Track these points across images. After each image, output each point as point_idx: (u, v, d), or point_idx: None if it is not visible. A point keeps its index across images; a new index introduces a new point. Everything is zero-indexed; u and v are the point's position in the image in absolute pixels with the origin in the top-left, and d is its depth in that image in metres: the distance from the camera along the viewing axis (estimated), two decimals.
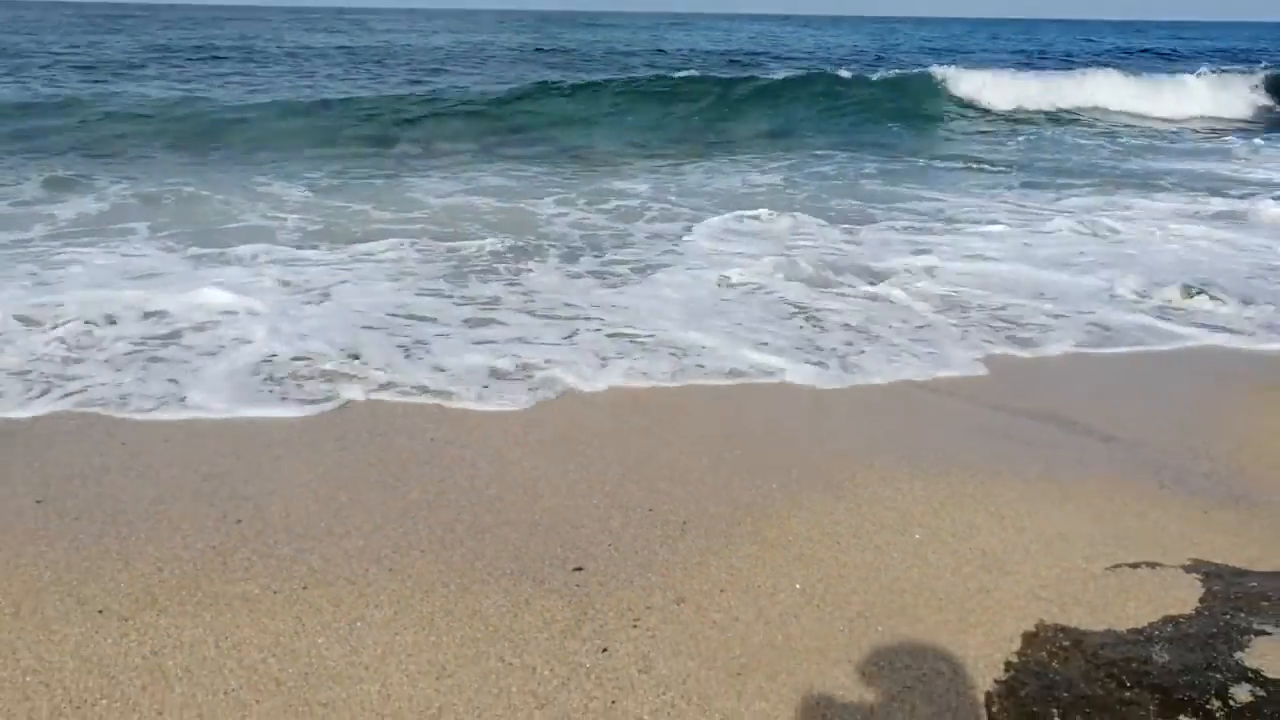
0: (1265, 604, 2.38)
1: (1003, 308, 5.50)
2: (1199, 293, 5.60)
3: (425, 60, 25.54)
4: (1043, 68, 24.35)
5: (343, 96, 15.65)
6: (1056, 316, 5.37)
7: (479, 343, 4.77)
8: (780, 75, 18.26)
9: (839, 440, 3.76)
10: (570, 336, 4.87)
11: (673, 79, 17.51)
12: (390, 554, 2.89)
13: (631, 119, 14.58)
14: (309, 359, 4.47)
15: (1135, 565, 2.78)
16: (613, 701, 2.27)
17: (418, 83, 18.74)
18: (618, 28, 56.42)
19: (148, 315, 5.04)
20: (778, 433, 3.83)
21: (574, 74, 19.78)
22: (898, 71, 19.31)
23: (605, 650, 2.46)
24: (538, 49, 30.29)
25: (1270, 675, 2.06)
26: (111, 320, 4.93)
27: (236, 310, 5.12)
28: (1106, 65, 22.86)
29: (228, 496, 3.23)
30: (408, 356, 4.54)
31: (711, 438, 3.75)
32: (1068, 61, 29.60)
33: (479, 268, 6.22)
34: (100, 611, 2.57)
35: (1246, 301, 5.62)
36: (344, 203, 8.43)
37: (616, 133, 13.59)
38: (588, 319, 5.14)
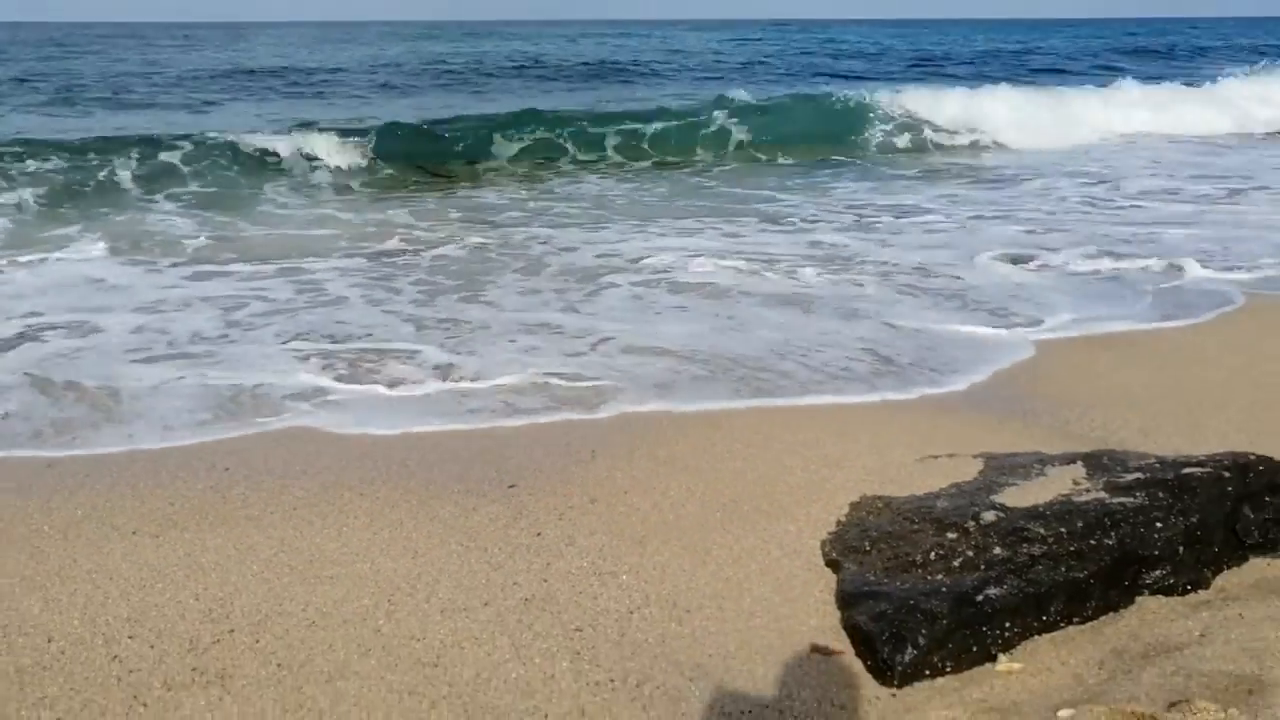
0: (1020, 469, 3.27)
1: None
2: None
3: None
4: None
5: None
6: None
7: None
8: None
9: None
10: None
11: None
12: (358, 484, 3.61)
13: None
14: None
15: (938, 457, 3.65)
16: (548, 564, 3.03)
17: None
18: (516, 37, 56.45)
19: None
20: None
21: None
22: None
23: (539, 534, 3.22)
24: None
25: (1009, 504, 2.94)
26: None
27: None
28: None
29: (212, 453, 3.90)
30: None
31: None
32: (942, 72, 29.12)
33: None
34: (134, 532, 3.23)
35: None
36: None
37: None
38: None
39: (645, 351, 5.11)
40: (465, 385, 4.65)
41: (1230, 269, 6.64)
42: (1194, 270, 6.47)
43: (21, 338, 5.41)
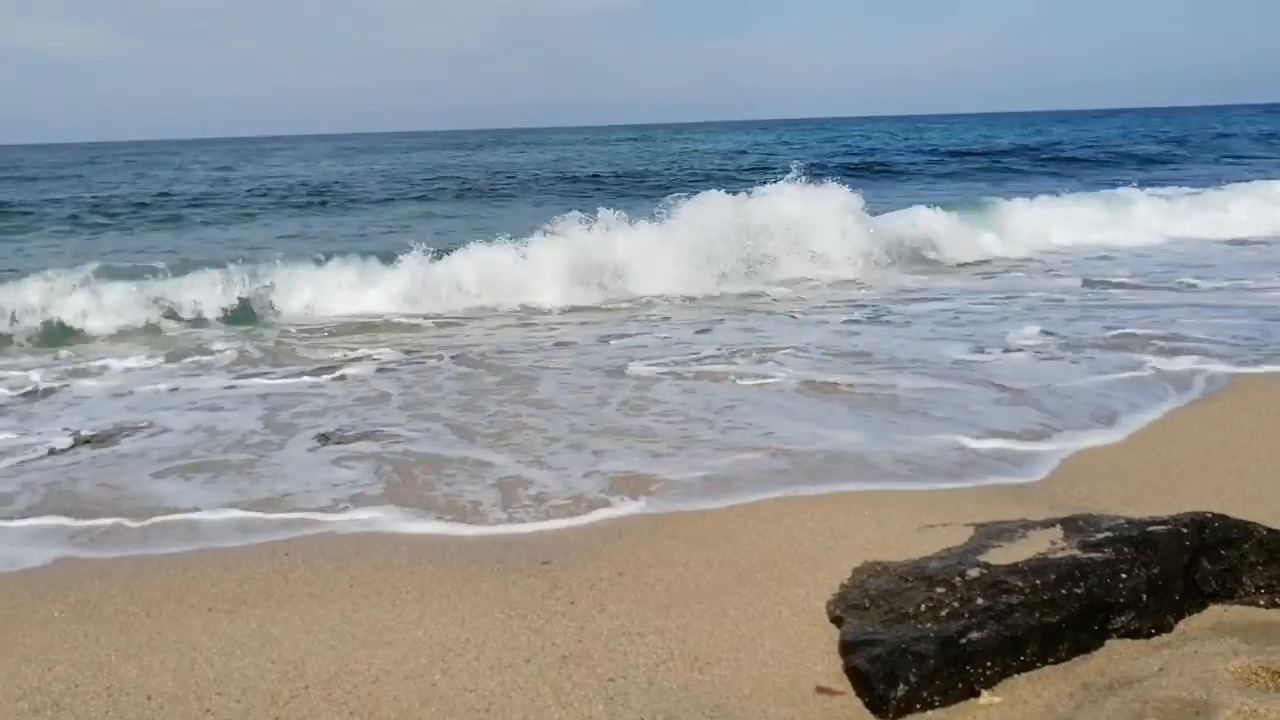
0: (1005, 533, 3.62)
1: None
2: None
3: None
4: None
5: None
6: None
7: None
8: None
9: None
10: None
11: None
12: (407, 564, 3.99)
13: None
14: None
15: (933, 526, 4.01)
16: (581, 627, 3.39)
17: None
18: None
19: None
20: None
21: None
22: None
23: (573, 603, 3.58)
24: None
25: (993, 562, 3.29)
26: None
27: None
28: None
29: (271, 544, 4.30)
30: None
31: None
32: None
33: None
34: (209, 609, 3.62)
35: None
36: None
37: None
38: None
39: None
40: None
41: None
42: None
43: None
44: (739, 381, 6.90)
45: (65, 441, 5.87)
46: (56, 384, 7.48)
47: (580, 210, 12.39)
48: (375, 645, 3.28)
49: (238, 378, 7.60)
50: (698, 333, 8.96)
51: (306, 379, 7.47)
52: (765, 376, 6.97)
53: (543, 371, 7.43)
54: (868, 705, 2.80)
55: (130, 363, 8.20)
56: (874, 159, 35.31)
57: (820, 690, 2.91)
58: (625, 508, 4.59)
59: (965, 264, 12.98)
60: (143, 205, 23.86)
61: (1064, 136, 49.48)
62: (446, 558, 4.05)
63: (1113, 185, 18.92)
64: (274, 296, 10.59)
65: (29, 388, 7.35)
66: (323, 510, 4.67)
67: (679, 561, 3.90)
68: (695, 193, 12.96)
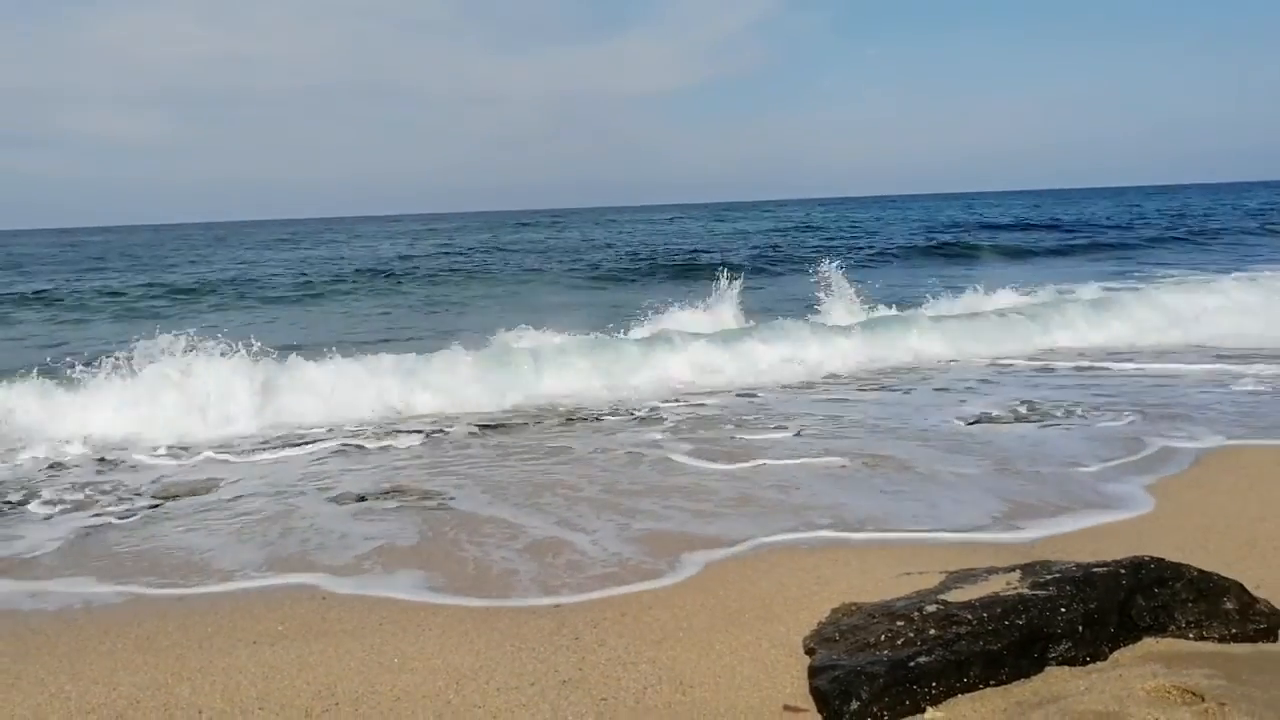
0: (970, 577, 3.99)
1: None
2: None
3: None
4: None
5: None
6: None
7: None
8: None
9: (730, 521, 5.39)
10: None
11: None
12: (430, 604, 4.42)
13: None
14: None
15: (910, 573, 4.38)
16: (582, 658, 3.80)
17: None
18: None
19: None
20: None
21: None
22: None
23: (577, 638, 3.99)
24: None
25: (951, 600, 3.66)
26: None
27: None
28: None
29: (311, 586, 4.76)
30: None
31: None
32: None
33: None
34: (254, 642, 4.07)
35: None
36: None
37: None
38: None
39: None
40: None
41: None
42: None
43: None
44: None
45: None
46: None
47: None
48: (398, 671, 3.71)
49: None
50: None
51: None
52: None
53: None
54: (827, 718, 3.17)
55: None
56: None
57: (786, 708, 3.29)
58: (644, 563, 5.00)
59: None
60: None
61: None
62: (467, 599, 4.48)
63: None
64: None
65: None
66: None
67: (675, 603, 4.30)
68: None
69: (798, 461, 6.77)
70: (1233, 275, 16.90)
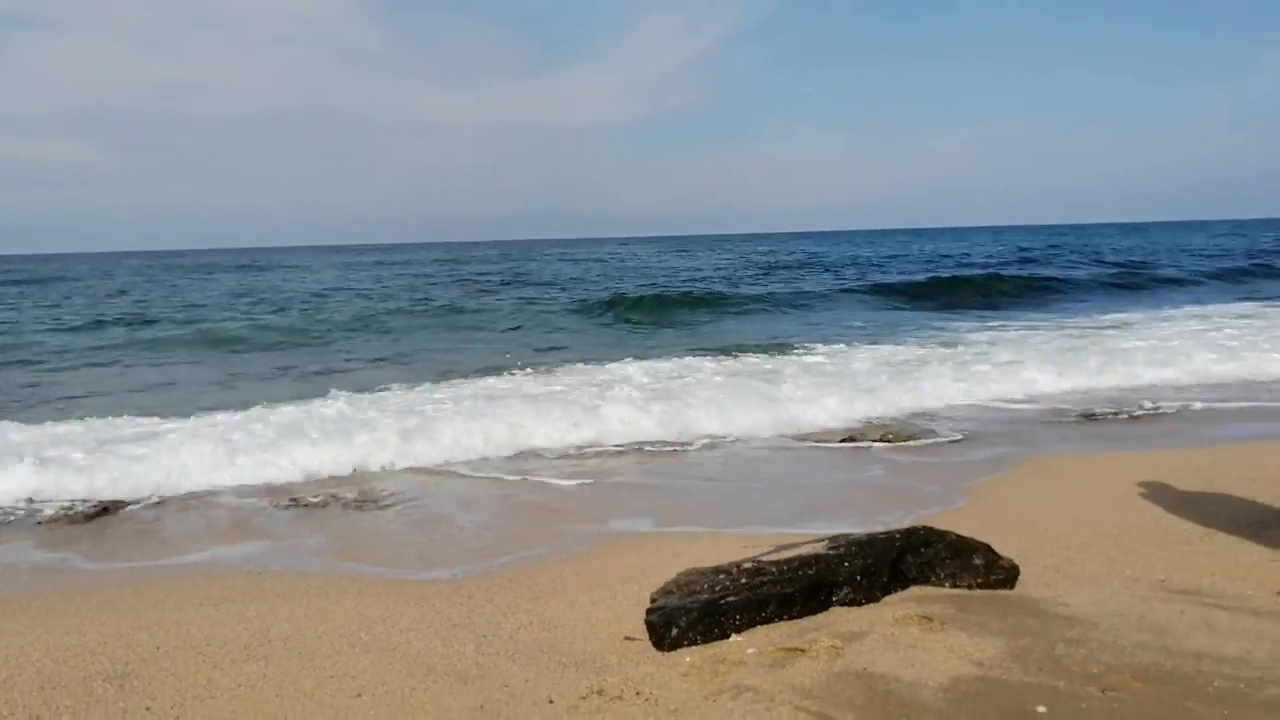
0: (793, 545, 4.94)
1: None
2: None
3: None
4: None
5: None
6: None
7: None
8: None
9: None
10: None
11: None
12: (351, 576, 5.28)
13: None
14: None
15: (749, 549, 5.33)
16: (472, 610, 4.67)
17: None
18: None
19: None
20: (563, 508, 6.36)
21: None
22: None
23: (469, 597, 4.87)
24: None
25: (766, 559, 4.61)
26: None
27: None
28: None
29: (243, 561, 5.58)
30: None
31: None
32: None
33: None
34: (200, 604, 4.89)
35: None
36: None
37: None
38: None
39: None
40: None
41: None
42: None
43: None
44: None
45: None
46: None
47: None
48: (320, 620, 4.57)
49: None
50: None
51: None
52: None
53: None
54: (654, 643, 4.09)
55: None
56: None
57: (626, 638, 4.20)
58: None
59: None
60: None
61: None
62: (385, 569, 5.35)
63: None
64: None
65: None
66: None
67: (554, 572, 5.21)
68: None
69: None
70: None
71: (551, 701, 3.56)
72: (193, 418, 9.75)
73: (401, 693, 3.69)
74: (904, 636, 3.90)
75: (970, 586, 4.55)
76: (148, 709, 3.63)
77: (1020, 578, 4.65)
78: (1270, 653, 3.61)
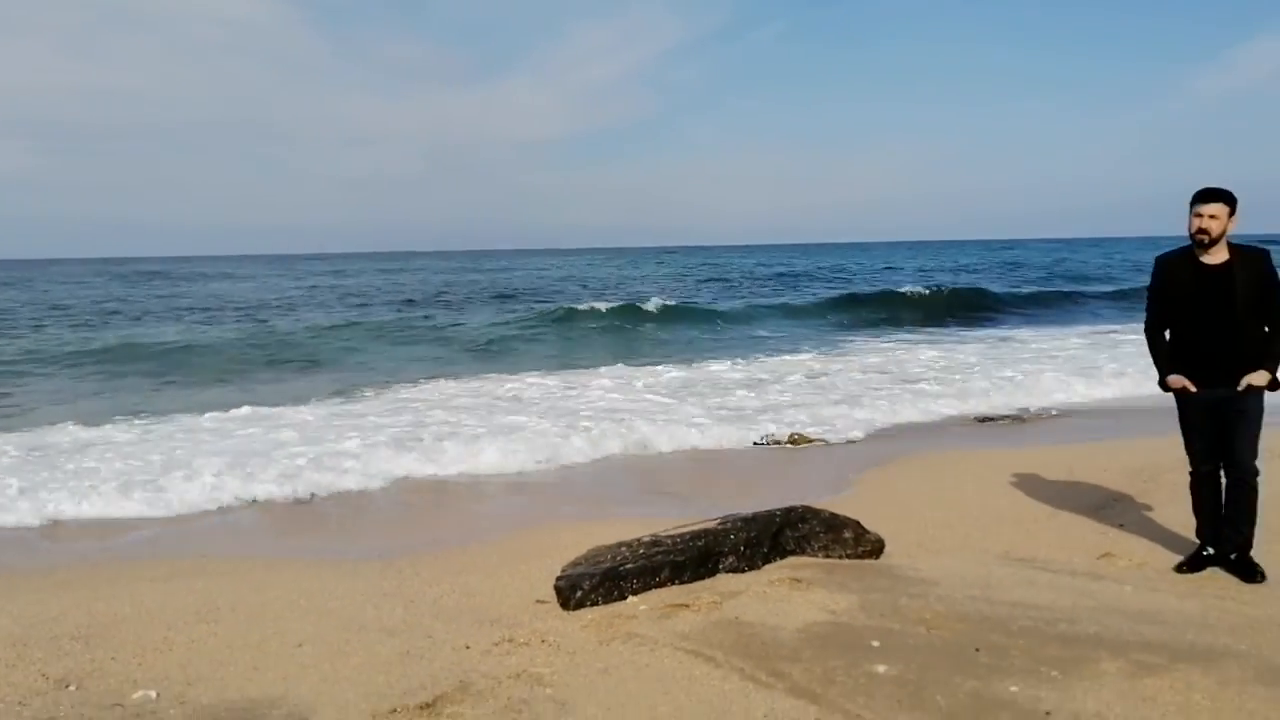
0: (690, 525, 5.55)
1: None
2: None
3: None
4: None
5: None
6: None
7: None
8: None
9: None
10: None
11: None
12: (280, 551, 5.78)
13: None
14: None
15: (657, 529, 5.93)
16: (400, 583, 5.21)
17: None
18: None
19: None
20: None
21: None
22: None
23: (400, 572, 5.40)
24: None
25: (665, 534, 5.22)
26: None
27: None
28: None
29: (197, 538, 6.06)
30: None
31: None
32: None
33: None
34: (151, 579, 5.37)
35: None
36: None
37: None
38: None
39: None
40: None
41: None
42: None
43: None
44: None
45: None
46: None
47: None
48: (262, 590, 5.08)
49: None
50: None
51: None
52: None
53: None
54: (561, 605, 4.68)
55: None
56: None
57: (537, 601, 4.78)
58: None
59: None
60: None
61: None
62: (316, 553, 5.86)
63: None
64: None
65: None
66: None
67: (481, 553, 5.78)
68: None
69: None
70: None
71: (468, 647, 4.13)
72: None
73: (337, 644, 4.23)
74: (775, 594, 4.53)
75: (841, 556, 5.21)
76: (113, 659, 4.12)
77: (886, 550, 5.32)
78: (1072, 601, 4.32)
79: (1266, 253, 4.59)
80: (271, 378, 15.63)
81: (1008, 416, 10.57)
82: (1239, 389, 4.51)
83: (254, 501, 7.27)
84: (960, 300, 29.56)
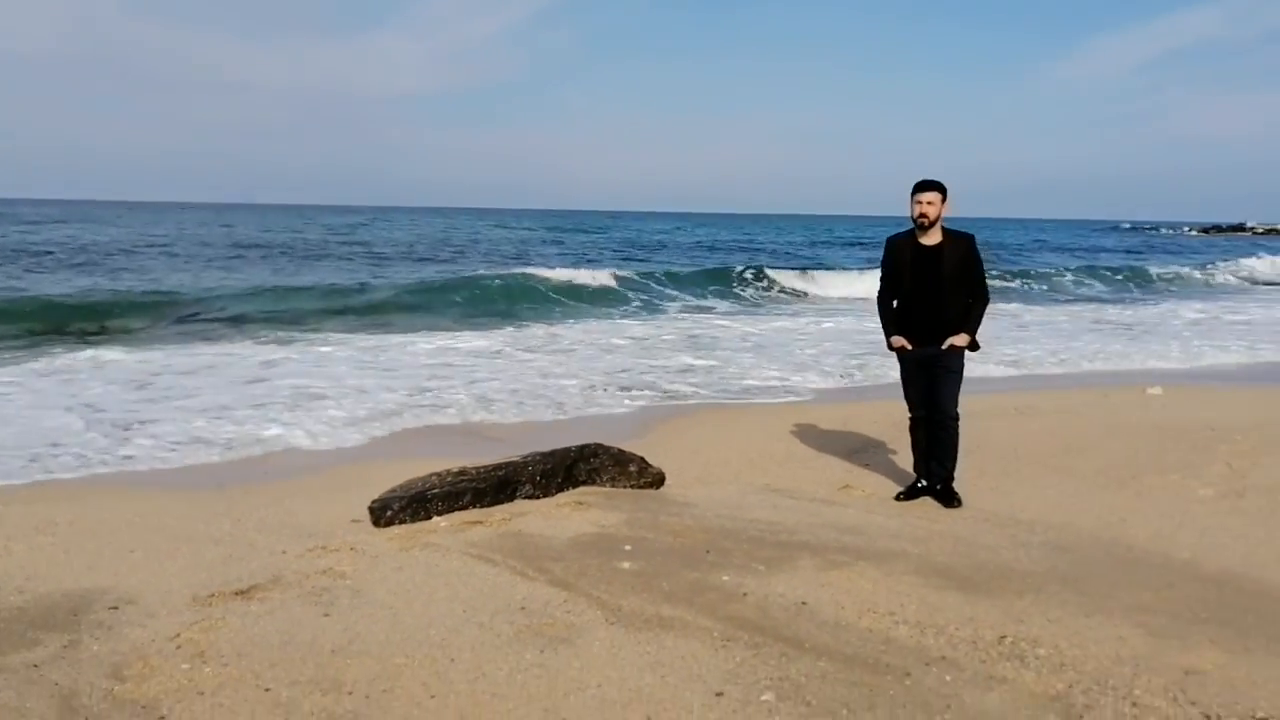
0: (505, 458, 6.28)
1: None
2: None
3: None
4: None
5: None
6: None
7: None
8: None
9: None
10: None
11: None
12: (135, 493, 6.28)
13: None
14: None
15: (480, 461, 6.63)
16: (230, 505, 5.79)
17: None
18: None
19: None
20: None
21: None
22: None
23: (229, 495, 5.98)
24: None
25: (475, 466, 5.93)
26: None
27: None
28: None
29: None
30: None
31: None
32: None
33: None
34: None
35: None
36: None
37: None
38: None
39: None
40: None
41: None
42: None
43: None
44: None
45: None
46: None
47: None
48: (102, 511, 5.59)
49: None
50: None
51: None
52: None
53: None
54: (373, 523, 5.35)
55: None
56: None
57: (352, 521, 5.44)
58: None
59: None
60: None
61: None
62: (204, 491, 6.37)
63: None
64: None
65: None
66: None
67: (308, 484, 6.38)
68: None
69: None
70: None
71: (284, 552, 4.78)
72: None
73: (167, 550, 4.83)
74: (558, 514, 5.32)
75: (626, 486, 6.03)
76: None
77: (667, 483, 6.17)
78: (797, 519, 5.24)
79: (973, 236, 5.56)
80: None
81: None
82: (943, 348, 5.49)
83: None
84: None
